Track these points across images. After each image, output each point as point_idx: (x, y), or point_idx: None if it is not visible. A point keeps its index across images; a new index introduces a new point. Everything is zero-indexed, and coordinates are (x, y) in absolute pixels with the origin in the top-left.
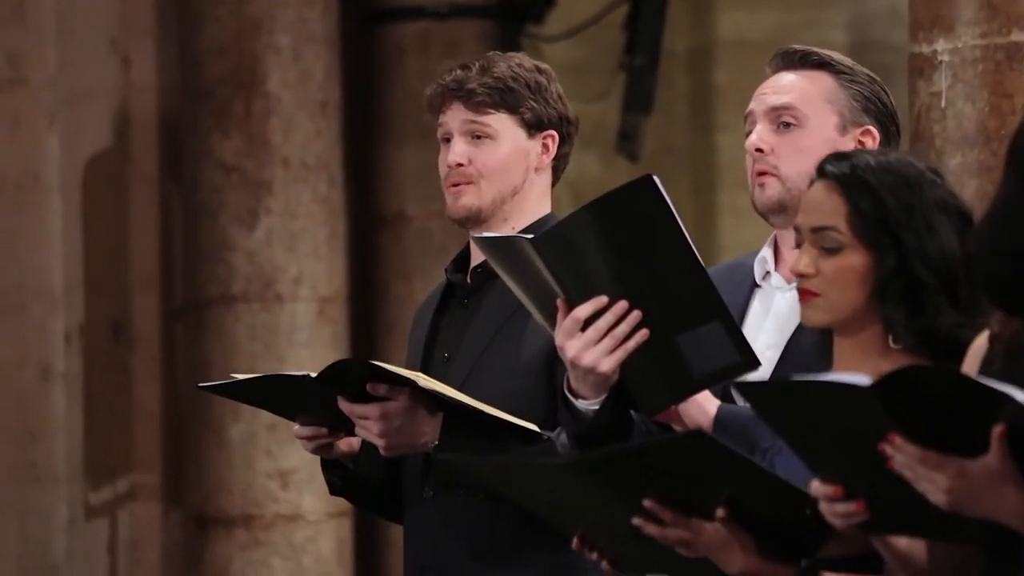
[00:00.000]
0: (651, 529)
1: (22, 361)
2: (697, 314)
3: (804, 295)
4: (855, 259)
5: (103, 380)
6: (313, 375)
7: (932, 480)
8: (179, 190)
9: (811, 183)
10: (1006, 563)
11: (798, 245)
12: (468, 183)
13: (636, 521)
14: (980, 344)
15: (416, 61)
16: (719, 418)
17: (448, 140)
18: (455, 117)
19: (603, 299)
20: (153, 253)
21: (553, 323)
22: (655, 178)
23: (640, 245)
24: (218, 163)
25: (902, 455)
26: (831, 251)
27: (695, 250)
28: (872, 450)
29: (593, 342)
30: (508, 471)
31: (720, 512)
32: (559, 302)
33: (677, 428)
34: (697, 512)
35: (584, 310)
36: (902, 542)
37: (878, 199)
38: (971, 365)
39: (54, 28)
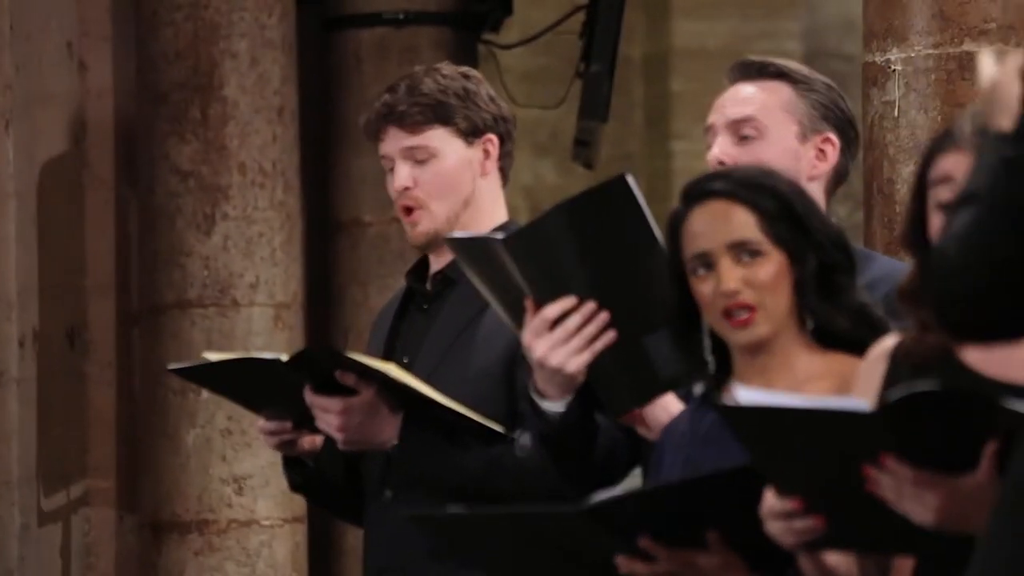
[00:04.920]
0: (638, 568)
1: None
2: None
3: (746, 317)
4: (775, 261)
5: (57, 385)
6: (284, 358)
7: (921, 500)
8: (135, 195)
9: (688, 210)
10: (940, 568)
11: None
12: (419, 208)
13: (621, 561)
14: (879, 354)
15: (373, 68)
16: None
17: (392, 168)
18: (393, 144)
19: (572, 300)
20: (109, 258)
21: (520, 324)
22: (630, 178)
23: (611, 245)
24: (174, 168)
25: (892, 477)
26: (752, 260)
27: (666, 252)
28: (849, 471)
29: (561, 342)
30: (479, 521)
31: (712, 536)
32: (528, 302)
33: (641, 430)
34: (687, 542)
35: (553, 310)
36: (832, 556)
37: (778, 196)
38: (872, 374)
39: (9, 31)
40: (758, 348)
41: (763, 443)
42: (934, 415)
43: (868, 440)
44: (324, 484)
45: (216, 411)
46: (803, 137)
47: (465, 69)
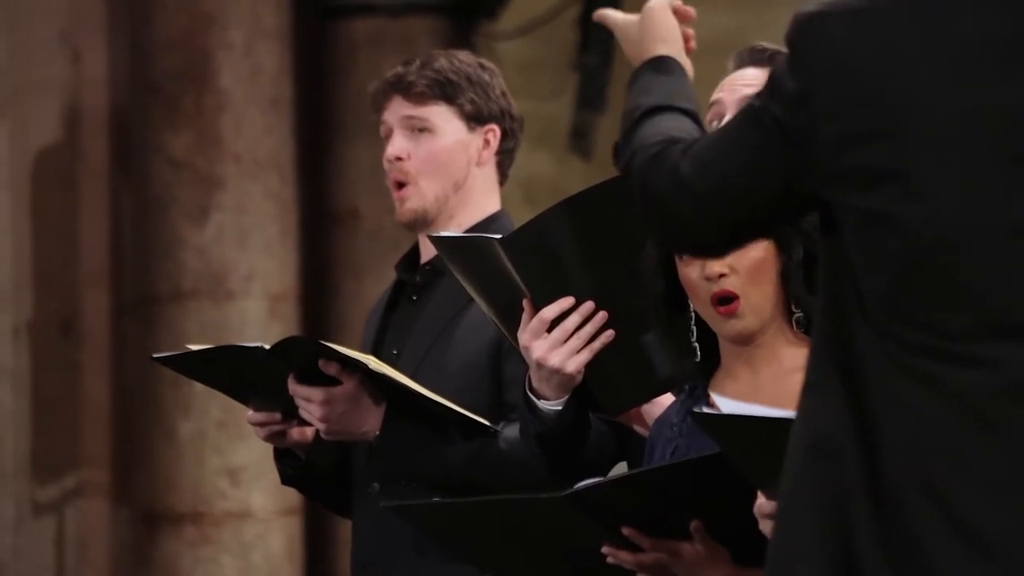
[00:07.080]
0: (624, 556)
1: None
2: None
3: (728, 307)
4: (762, 248)
5: (51, 377)
6: (267, 347)
7: None
8: (129, 186)
9: None
10: None
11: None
12: (409, 183)
13: (607, 550)
14: None
15: (368, 58)
16: None
17: (390, 138)
18: (394, 112)
19: (570, 300)
20: (103, 249)
21: (508, 324)
22: None
23: (611, 244)
24: (169, 159)
25: None
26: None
27: None
28: None
29: (559, 343)
30: (464, 510)
31: (695, 524)
32: (525, 303)
33: (638, 428)
34: (671, 533)
35: (551, 311)
36: None
37: None
38: None
39: (3, 20)
40: (745, 339)
41: (744, 450)
42: None
43: None
44: (315, 476)
45: (210, 403)
46: None
47: (485, 60)
